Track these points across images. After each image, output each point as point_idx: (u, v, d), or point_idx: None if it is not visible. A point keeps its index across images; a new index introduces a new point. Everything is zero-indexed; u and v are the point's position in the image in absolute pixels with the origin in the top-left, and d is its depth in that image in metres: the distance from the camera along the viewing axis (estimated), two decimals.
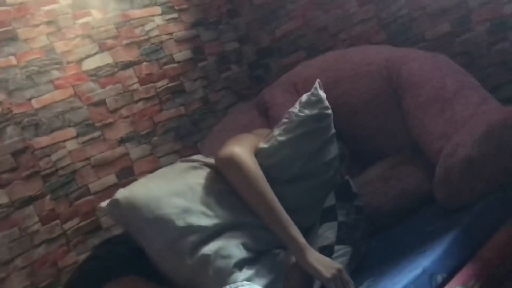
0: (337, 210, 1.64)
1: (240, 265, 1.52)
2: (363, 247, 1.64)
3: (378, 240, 1.73)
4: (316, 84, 1.76)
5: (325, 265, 1.46)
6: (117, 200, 1.59)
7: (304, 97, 1.76)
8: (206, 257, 1.52)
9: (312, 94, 1.75)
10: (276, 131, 1.74)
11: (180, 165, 1.77)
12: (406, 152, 2.00)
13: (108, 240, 1.92)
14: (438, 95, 1.85)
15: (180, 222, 1.55)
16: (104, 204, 1.63)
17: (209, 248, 1.53)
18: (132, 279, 1.60)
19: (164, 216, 1.56)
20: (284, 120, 1.75)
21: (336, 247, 1.57)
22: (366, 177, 1.95)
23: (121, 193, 1.61)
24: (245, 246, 1.55)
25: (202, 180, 1.67)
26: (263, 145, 1.71)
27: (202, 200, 1.61)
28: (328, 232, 1.61)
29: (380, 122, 2.05)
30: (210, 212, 1.58)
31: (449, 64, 1.98)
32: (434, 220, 1.70)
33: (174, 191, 1.61)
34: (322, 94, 1.75)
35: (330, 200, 1.67)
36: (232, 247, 1.53)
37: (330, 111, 1.76)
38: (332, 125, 1.78)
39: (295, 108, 1.75)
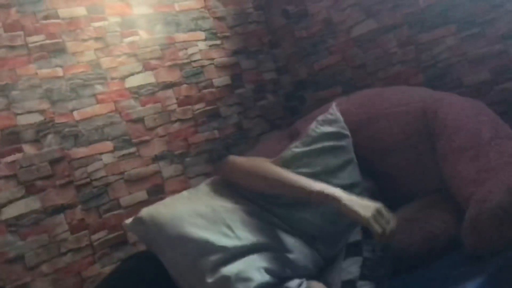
0: (362, 245, 1.63)
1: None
2: (386, 285, 1.62)
3: (402, 280, 1.70)
4: (333, 106, 1.80)
5: (363, 206, 1.44)
6: (141, 218, 1.61)
7: (321, 116, 1.80)
8: (226, 278, 1.52)
9: (329, 113, 1.78)
10: (293, 144, 1.76)
11: (205, 187, 1.78)
12: (436, 195, 1.97)
13: (134, 255, 1.93)
14: (472, 141, 1.83)
15: (201, 242, 1.56)
16: (128, 221, 1.65)
17: (229, 270, 1.53)
18: None
19: (186, 235, 1.57)
20: (303, 135, 1.77)
21: (359, 283, 1.55)
22: None
23: (146, 211, 1.63)
24: (267, 271, 1.54)
25: (225, 202, 1.68)
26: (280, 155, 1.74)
27: (225, 221, 1.62)
28: (352, 267, 1.59)
29: (413, 163, 2.03)
30: (231, 233, 1.59)
31: (485, 111, 1.97)
32: (460, 265, 1.67)
33: (197, 211, 1.62)
34: (339, 114, 1.78)
35: (356, 235, 1.66)
36: (253, 271, 1.53)
37: (347, 132, 1.78)
38: (352, 148, 1.79)
39: (313, 125, 1.77)
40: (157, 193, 2.24)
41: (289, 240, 1.65)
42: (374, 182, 1.97)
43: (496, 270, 1.56)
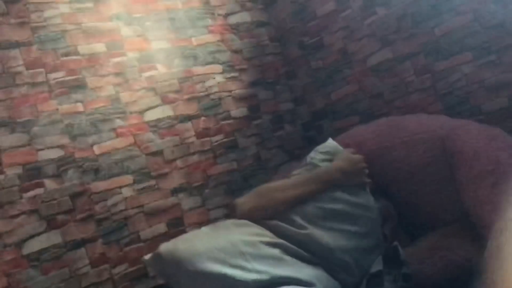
0: (384, 276, 1.61)
1: None
2: None
3: None
4: (329, 139, 1.93)
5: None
6: (159, 254, 1.61)
7: (320, 147, 1.88)
8: None
9: (327, 145, 1.85)
10: (295, 171, 1.80)
11: (223, 222, 1.79)
12: (457, 224, 1.95)
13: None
14: (492, 168, 1.81)
15: (220, 277, 1.55)
16: (147, 257, 1.65)
17: None
18: None
19: (205, 271, 1.56)
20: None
21: None
22: (416, 246, 1.91)
23: (164, 247, 1.63)
24: None
25: (244, 236, 1.68)
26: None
27: (244, 255, 1.61)
28: None
29: (432, 191, 2.01)
30: (251, 267, 1.58)
31: (503, 137, 1.95)
32: None
33: (216, 246, 1.61)
34: (335, 144, 1.90)
35: (378, 265, 1.65)
36: None
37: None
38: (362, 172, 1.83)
39: (312, 154, 1.84)
40: (177, 225, 2.24)
41: (311, 272, 1.64)
42: (390, 204, 1.96)
43: None
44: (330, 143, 1.92)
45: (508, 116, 2.15)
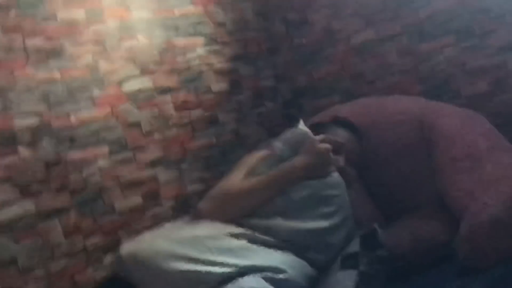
0: (359, 258, 1.62)
1: None
2: None
3: None
4: (301, 121, 1.91)
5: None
6: (120, 256, 1.59)
7: (289, 134, 1.87)
8: None
9: (299, 132, 1.87)
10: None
11: (185, 219, 1.77)
12: (432, 206, 1.97)
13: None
14: (469, 153, 1.83)
15: (187, 274, 1.54)
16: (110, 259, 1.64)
17: None
18: None
19: (169, 270, 1.54)
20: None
21: None
22: (389, 227, 1.93)
23: (125, 249, 1.61)
24: None
25: (207, 229, 1.67)
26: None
27: (209, 249, 1.59)
28: (347, 280, 1.58)
29: (409, 174, 2.03)
30: (217, 260, 1.56)
31: (483, 122, 1.96)
32: (454, 278, 1.66)
33: (180, 242, 1.59)
34: (305, 130, 1.87)
35: (354, 246, 1.65)
36: None
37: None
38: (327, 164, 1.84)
39: (279, 144, 1.86)
40: (153, 198, 2.22)
41: (280, 257, 1.63)
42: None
43: (490, 284, 1.55)
44: (299, 130, 1.87)
45: (487, 101, 2.17)
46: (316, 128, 1.96)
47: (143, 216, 2.17)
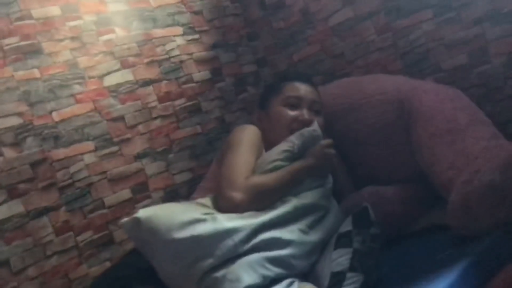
0: (353, 236, 1.63)
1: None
2: (375, 275, 1.62)
3: (389, 266, 1.71)
4: (315, 123, 1.89)
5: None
6: (138, 219, 1.58)
7: (305, 132, 1.85)
8: (214, 279, 1.51)
9: (313, 130, 1.86)
10: (274, 157, 1.80)
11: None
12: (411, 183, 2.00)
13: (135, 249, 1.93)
14: (449, 127, 1.84)
15: (197, 249, 1.54)
16: (125, 220, 1.63)
17: (219, 273, 1.52)
18: None
19: (182, 241, 1.54)
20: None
21: (348, 274, 1.55)
22: None
23: (144, 213, 1.60)
24: (257, 272, 1.52)
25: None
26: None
27: (222, 224, 1.59)
28: (341, 258, 1.59)
29: (389, 153, 2.05)
30: (230, 226, 1.57)
31: (461, 98, 1.98)
32: (445, 248, 1.68)
33: (196, 218, 1.59)
34: (320, 131, 1.88)
35: (347, 226, 1.66)
36: (242, 272, 1.50)
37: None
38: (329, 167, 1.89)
39: (295, 138, 1.84)
40: (141, 191, 2.22)
41: (286, 234, 1.63)
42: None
43: (481, 253, 1.57)
44: (315, 132, 1.86)
45: (468, 73, 2.18)
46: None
47: (133, 209, 2.17)
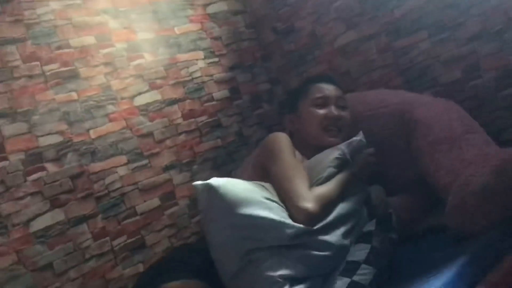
0: (373, 236, 1.63)
1: (285, 278, 1.50)
2: (386, 274, 1.62)
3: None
4: (360, 133, 1.88)
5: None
6: (210, 185, 1.59)
7: (355, 142, 1.84)
8: (256, 258, 1.53)
9: (360, 140, 1.86)
10: (327, 164, 1.77)
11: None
12: (412, 191, 2.00)
13: (185, 245, 1.91)
14: (446, 136, 1.85)
15: (252, 228, 1.55)
16: (198, 183, 1.63)
17: (262, 254, 1.53)
18: (196, 283, 1.61)
19: (243, 217, 1.55)
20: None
21: (363, 265, 1.56)
22: None
23: (216, 181, 1.60)
24: (295, 267, 1.53)
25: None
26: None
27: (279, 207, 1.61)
28: (360, 251, 1.60)
29: (392, 159, 2.05)
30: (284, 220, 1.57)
31: (456, 109, 1.98)
32: (442, 247, 1.68)
33: (260, 201, 1.59)
34: (365, 141, 1.87)
35: (370, 226, 1.66)
36: (280, 262, 1.52)
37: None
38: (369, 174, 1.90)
39: (345, 148, 1.82)
40: (169, 199, 2.25)
41: (330, 238, 1.61)
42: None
43: (478, 251, 1.56)
44: (362, 142, 1.86)
45: (462, 87, 2.18)
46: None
47: (162, 216, 2.20)
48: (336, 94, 2.00)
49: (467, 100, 2.15)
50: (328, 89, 2.01)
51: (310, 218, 1.57)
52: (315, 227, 1.57)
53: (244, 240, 1.55)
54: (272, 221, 1.54)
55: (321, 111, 1.96)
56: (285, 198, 1.64)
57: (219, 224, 1.59)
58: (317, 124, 1.94)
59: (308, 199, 1.60)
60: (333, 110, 1.96)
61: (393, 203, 1.91)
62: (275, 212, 1.57)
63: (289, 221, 1.56)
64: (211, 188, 1.59)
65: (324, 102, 1.98)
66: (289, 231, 1.54)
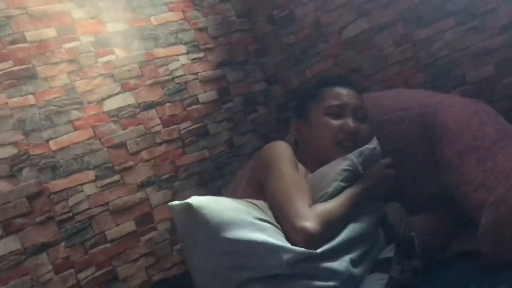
0: (392, 264, 1.61)
1: None
2: None
3: None
4: (374, 138, 1.86)
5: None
6: (190, 204, 1.56)
7: (366, 150, 1.82)
8: None
9: (373, 148, 1.83)
10: (334, 178, 1.76)
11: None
12: (438, 207, 1.99)
13: (166, 280, 1.90)
14: (477, 144, 1.83)
15: (243, 254, 1.53)
16: (175, 202, 1.61)
17: (256, 286, 1.52)
18: None
19: (231, 242, 1.53)
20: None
21: None
22: None
23: (196, 200, 1.57)
24: None
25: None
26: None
27: (276, 230, 1.59)
28: (375, 283, 1.57)
29: (413, 172, 2.04)
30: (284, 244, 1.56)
31: (488, 111, 1.97)
32: (476, 277, 1.67)
33: (250, 222, 1.57)
34: (379, 149, 1.86)
35: (388, 252, 1.65)
36: None
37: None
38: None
39: (355, 158, 1.80)
40: (146, 222, 2.23)
41: (336, 264, 1.59)
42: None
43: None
44: (376, 150, 1.84)
45: (495, 85, 2.18)
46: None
47: (137, 243, 2.19)
48: (356, 103, 1.98)
49: (501, 101, 2.15)
50: (346, 95, 1.98)
51: (310, 239, 1.55)
52: (318, 251, 1.55)
53: (233, 270, 1.53)
54: (266, 244, 1.52)
55: (336, 122, 1.94)
56: (281, 217, 1.63)
57: (203, 252, 1.57)
58: (330, 137, 1.92)
59: (307, 217, 1.58)
60: (350, 122, 1.94)
61: (415, 224, 1.89)
62: (269, 234, 1.55)
63: (286, 244, 1.54)
64: (190, 209, 1.57)
65: (340, 111, 1.96)
66: (287, 256, 1.51)
